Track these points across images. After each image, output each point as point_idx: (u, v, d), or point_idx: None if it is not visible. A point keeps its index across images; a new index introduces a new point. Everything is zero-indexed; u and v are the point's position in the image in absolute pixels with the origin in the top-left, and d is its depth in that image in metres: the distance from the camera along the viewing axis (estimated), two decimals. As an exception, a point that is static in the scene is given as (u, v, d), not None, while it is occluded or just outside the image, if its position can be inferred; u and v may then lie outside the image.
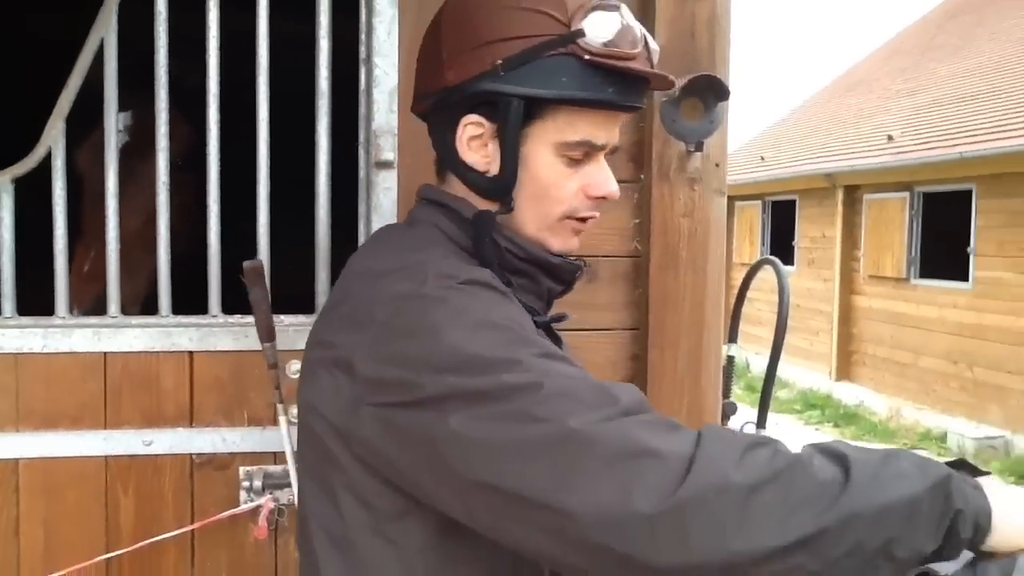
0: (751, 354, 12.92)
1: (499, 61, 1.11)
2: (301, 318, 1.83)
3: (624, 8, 1.16)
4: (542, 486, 0.91)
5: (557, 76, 1.11)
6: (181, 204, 1.83)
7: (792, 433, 9.62)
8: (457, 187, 1.21)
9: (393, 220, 1.78)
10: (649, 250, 1.92)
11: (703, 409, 1.99)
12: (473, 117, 1.15)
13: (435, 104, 1.18)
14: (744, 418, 2.17)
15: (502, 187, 1.16)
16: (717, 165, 1.91)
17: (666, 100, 1.83)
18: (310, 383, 1.12)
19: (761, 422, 2.09)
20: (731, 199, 15.57)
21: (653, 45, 1.18)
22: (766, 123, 19.20)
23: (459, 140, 1.17)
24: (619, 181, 1.91)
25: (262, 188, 1.79)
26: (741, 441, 0.94)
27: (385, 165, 1.76)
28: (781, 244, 13.57)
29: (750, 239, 14.87)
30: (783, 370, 12.54)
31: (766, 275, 2.04)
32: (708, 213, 1.92)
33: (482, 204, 1.18)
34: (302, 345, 1.74)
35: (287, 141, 1.90)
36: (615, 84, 1.14)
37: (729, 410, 2.16)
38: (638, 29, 1.15)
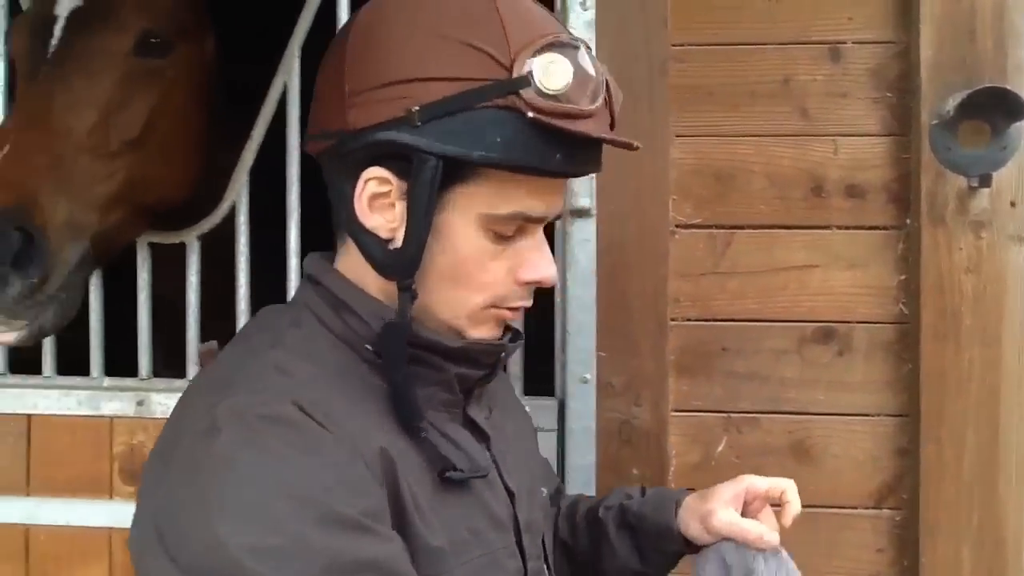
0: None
1: (415, 108, 0.85)
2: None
3: (584, 48, 0.88)
4: None
5: (491, 135, 0.85)
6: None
7: None
8: (352, 254, 0.95)
9: (591, 277, 1.52)
10: (919, 315, 1.49)
11: (1001, 526, 1.51)
12: (378, 171, 0.89)
13: (332, 148, 0.92)
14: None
15: (404, 265, 0.90)
16: (1013, 204, 1.46)
17: (937, 123, 1.43)
18: None
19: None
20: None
21: (616, 94, 0.92)
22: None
23: (358, 198, 0.90)
24: (878, 228, 1.56)
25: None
26: None
27: (581, 213, 1.51)
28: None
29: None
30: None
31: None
32: (1002, 267, 1.47)
33: (375, 282, 0.93)
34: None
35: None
36: (564, 149, 0.87)
37: (1042, 528, 1.65)
38: (600, 75, 0.89)
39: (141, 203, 1.45)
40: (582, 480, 1.51)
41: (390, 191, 0.89)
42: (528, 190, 0.89)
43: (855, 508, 1.55)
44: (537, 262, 0.93)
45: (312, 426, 0.81)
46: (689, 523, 1.10)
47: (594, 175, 1.48)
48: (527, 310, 1.56)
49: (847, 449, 1.55)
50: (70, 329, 1.42)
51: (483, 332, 0.95)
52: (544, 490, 1.13)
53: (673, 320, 1.54)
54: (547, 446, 1.52)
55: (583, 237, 1.51)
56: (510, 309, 0.96)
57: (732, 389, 1.55)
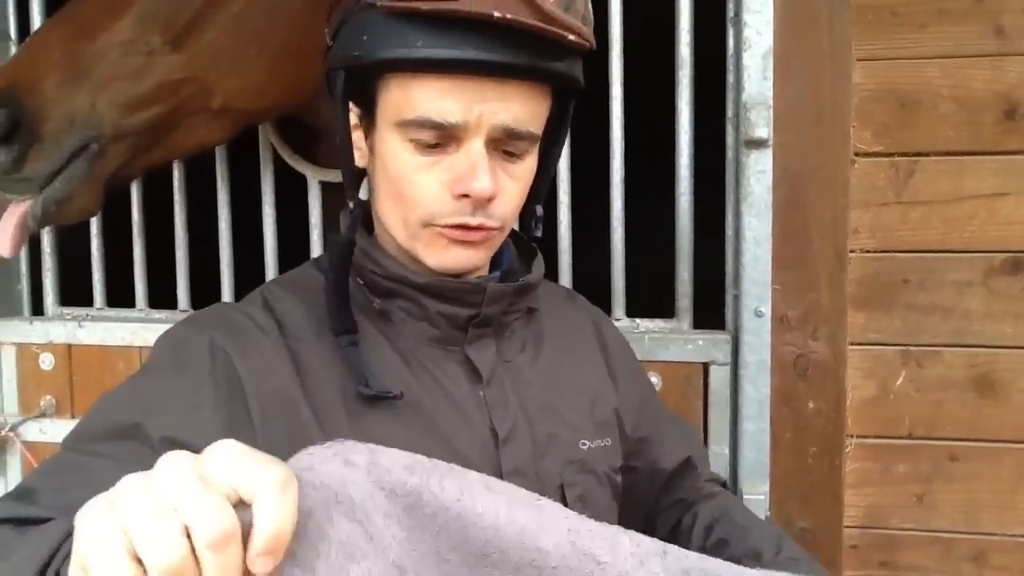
0: None
1: (327, 30, 0.93)
2: (659, 323, 1.60)
3: None
4: None
5: (361, 35, 0.87)
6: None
7: None
8: None
9: (767, 209, 1.48)
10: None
11: None
12: (351, 104, 0.96)
13: (329, 94, 0.99)
14: None
15: (346, 184, 0.97)
16: None
17: None
18: None
19: None
20: None
21: None
22: None
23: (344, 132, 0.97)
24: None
25: (615, 174, 1.59)
26: None
27: (757, 143, 1.47)
28: None
29: None
30: None
31: None
32: None
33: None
34: (662, 355, 1.55)
35: (640, 120, 1.68)
36: (427, 34, 0.83)
37: None
38: None
39: (199, 107, 1.39)
40: (756, 414, 1.50)
41: (357, 123, 0.97)
42: (435, 92, 0.86)
43: (1042, 444, 1.50)
44: (465, 175, 0.88)
45: (197, 360, 0.88)
46: None
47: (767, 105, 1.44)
48: (698, 244, 1.57)
49: (1040, 388, 1.49)
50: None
51: (436, 258, 0.93)
52: (587, 443, 1.05)
53: (852, 252, 1.50)
54: (721, 379, 1.52)
55: (759, 168, 1.47)
56: (454, 227, 0.91)
57: (912, 322, 1.50)
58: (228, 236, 1.74)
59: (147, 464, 0.76)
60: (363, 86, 0.91)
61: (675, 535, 1.15)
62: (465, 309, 0.96)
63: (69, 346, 1.73)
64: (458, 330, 0.97)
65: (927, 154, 1.48)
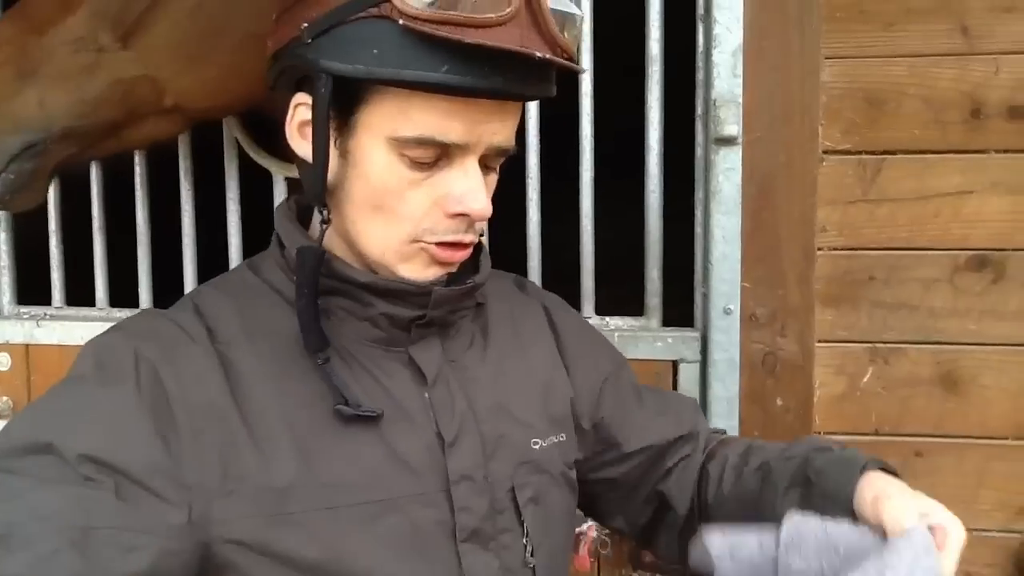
0: None
1: (304, 24, 0.84)
2: (629, 321, 1.60)
3: None
4: None
5: (368, 47, 0.81)
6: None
7: None
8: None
9: (736, 207, 1.48)
10: (1083, 241, 1.43)
11: None
12: (303, 97, 0.88)
13: (272, 82, 0.93)
14: None
15: (312, 186, 0.88)
16: None
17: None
18: None
19: None
20: None
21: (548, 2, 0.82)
22: None
23: (289, 124, 0.90)
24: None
25: (586, 173, 1.58)
26: None
27: (726, 141, 1.47)
28: None
29: None
30: None
31: None
32: None
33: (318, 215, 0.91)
34: (632, 353, 1.55)
35: (608, 118, 1.67)
36: (453, 61, 0.79)
37: None
38: None
39: (150, 106, 1.34)
40: (725, 411, 1.50)
41: (312, 118, 0.88)
42: (436, 111, 0.83)
43: (1006, 439, 1.51)
44: (461, 193, 0.86)
45: (121, 371, 0.84)
46: (864, 496, 0.88)
47: (738, 103, 1.44)
48: (668, 238, 1.56)
49: (998, 380, 1.51)
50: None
51: (414, 271, 0.91)
52: (539, 442, 1.02)
53: (819, 249, 1.50)
54: (690, 377, 1.52)
55: (728, 166, 1.47)
56: (442, 245, 0.89)
57: (879, 319, 1.51)
58: (191, 232, 1.70)
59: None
60: (344, 90, 0.85)
61: (702, 487, 1.10)
62: (410, 310, 0.93)
63: (27, 346, 1.68)
64: (401, 330, 0.94)
65: (894, 152, 1.49)
